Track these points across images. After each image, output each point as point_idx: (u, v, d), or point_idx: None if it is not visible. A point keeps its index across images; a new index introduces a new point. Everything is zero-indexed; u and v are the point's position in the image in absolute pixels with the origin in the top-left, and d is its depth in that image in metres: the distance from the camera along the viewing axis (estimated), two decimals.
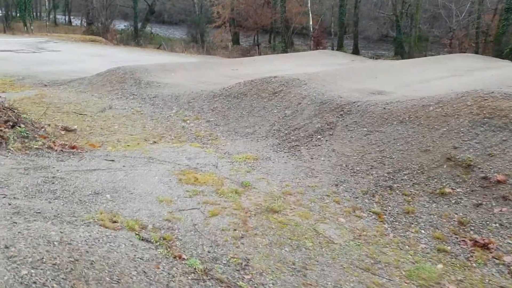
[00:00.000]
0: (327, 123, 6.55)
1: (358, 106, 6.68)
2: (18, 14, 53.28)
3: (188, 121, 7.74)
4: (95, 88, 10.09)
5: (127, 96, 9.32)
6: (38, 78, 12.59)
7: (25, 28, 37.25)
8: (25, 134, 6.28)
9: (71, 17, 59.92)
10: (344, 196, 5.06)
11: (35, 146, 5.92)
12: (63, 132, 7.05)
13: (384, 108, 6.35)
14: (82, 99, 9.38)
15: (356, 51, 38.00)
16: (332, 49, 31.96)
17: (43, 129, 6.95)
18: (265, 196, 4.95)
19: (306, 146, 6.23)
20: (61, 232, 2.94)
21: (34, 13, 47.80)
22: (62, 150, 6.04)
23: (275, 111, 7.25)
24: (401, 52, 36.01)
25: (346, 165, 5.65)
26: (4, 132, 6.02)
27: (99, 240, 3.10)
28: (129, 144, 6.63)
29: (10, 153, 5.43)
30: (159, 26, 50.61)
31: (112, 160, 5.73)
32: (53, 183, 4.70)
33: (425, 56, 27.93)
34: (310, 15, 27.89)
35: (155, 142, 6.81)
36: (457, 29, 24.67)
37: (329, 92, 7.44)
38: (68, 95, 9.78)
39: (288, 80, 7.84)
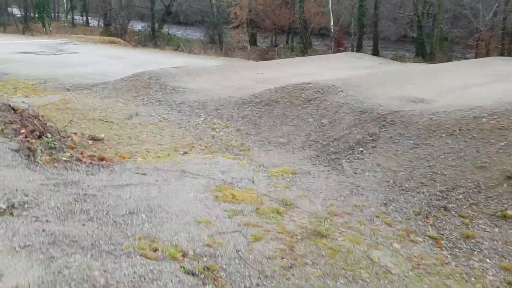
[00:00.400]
0: (369, 134, 6.16)
1: (401, 116, 6.27)
2: (36, 15, 53.89)
3: (217, 130, 7.42)
4: (119, 93, 9.84)
5: (153, 102, 9.05)
6: (60, 82, 12.43)
7: (44, 29, 37.53)
8: (53, 145, 6.02)
9: (89, 18, 60.40)
10: (395, 217, 4.67)
11: (63, 158, 5.66)
12: (90, 142, 6.79)
13: (431, 119, 5.93)
14: (107, 105, 9.14)
15: (376, 52, 37.36)
16: (352, 50, 31.42)
17: (70, 139, 6.70)
18: (309, 217, 4.59)
19: (348, 159, 5.85)
20: (105, 271, 2.63)
21: (53, 14, 48.08)
22: (91, 163, 5.76)
23: (311, 120, 6.89)
24: (422, 53, 35.30)
25: (393, 182, 5.25)
26: (31, 143, 5.78)
27: (145, 278, 2.78)
28: (159, 155, 6.34)
29: (38, 167, 5.16)
30: (176, 27, 50.58)
31: (144, 174, 5.43)
32: (85, 201, 4.41)
33: (449, 58, 27.22)
34: (331, 15, 27.38)
35: (185, 152, 6.50)
36: (483, 30, 23.88)
37: (368, 100, 7.04)
38: (92, 100, 9.55)
39: (323, 86, 7.47)
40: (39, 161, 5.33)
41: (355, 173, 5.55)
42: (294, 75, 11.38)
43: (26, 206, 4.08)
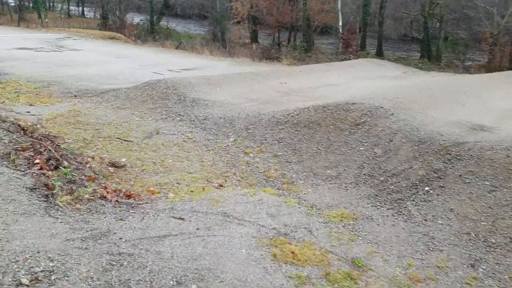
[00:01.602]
0: (433, 170, 5.40)
1: (468, 150, 5.51)
2: (31, 5, 52.41)
3: (251, 155, 6.62)
4: (134, 104, 8.99)
5: (173, 117, 8.21)
6: (65, 85, 11.54)
7: (40, 20, 36.29)
8: (71, 177, 5.20)
9: (85, 8, 59.00)
10: (490, 285, 3.91)
11: (86, 196, 4.84)
12: (111, 170, 5.96)
13: (508, 155, 5.18)
14: (122, 118, 8.29)
15: (380, 53, 36.67)
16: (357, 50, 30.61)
17: (88, 166, 5.87)
18: (389, 284, 3.82)
19: (413, 201, 5.09)
20: None
21: (48, 4, 46.64)
22: (117, 201, 4.95)
23: (361, 148, 6.11)
24: (428, 54, 34.63)
25: (475, 234, 4.50)
26: (48, 177, 4.94)
27: None
28: (192, 188, 5.53)
29: (59, 212, 4.34)
30: (172, 20, 49.41)
31: (181, 219, 4.63)
32: (121, 265, 3.61)
33: (463, 62, 26.49)
34: (340, 15, 26.53)
35: (220, 185, 5.70)
36: (500, 34, 23.19)
37: (423, 126, 6.28)
38: (105, 112, 8.70)
39: (370, 108, 6.68)
40: (60, 203, 4.50)
41: (425, 220, 4.80)
42: (320, 85, 10.60)
43: (52, 277, 3.27)
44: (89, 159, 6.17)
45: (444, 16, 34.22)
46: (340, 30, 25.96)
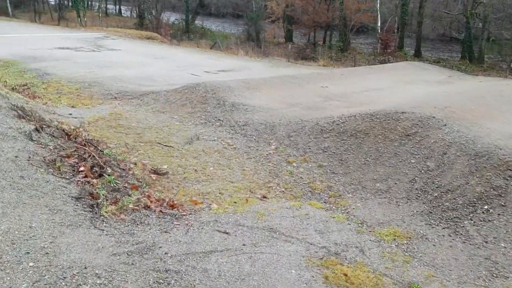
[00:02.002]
0: (492, 187, 5.04)
1: None
2: (71, 4, 53.88)
3: (294, 164, 6.41)
4: (173, 108, 8.94)
5: (213, 122, 8.09)
6: (106, 87, 11.65)
7: (79, 19, 37.21)
8: (115, 185, 5.14)
9: (121, 7, 60.22)
10: None
11: (130, 206, 4.75)
12: (154, 177, 5.88)
13: None
14: (162, 122, 8.24)
15: (418, 53, 35.66)
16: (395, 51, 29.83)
17: (131, 173, 5.82)
18: None
19: (471, 220, 4.76)
20: None
21: (86, 2, 47.73)
22: (161, 211, 4.84)
23: (413, 161, 5.79)
24: (469, 56, 33.44)
25: None
26: (93, 185, 4.89)
27: None
28: (235, 199, 5.37)
29: (105, 223, 4.26)
30: (206, 19, 49.67)
31: (226, 233, 4.48)
32: (168, 284, 3.50)
33: (510, 64, 25.34)
34: (379, 15, 25.87)
35: (264, 197, 5.51)
36: None
37: (479, 138, 5.90)
38: (145, 115, 8.68)
39: (421, 118, 6.34)
40: (105, 213, 4.43)
41: (486, 242, 4.46)
42: (362, 89, 10.26)
43: None
44: (132, 166, 6.12)
45: (488, 15, 32.94)
46: (379, 31, 25.24)
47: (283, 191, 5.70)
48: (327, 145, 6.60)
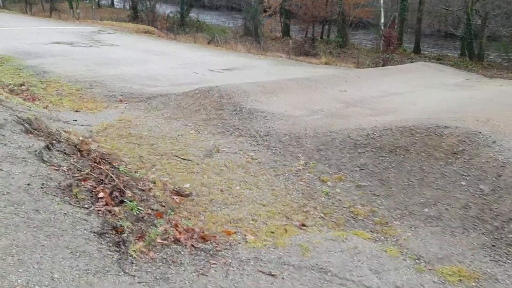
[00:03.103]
0: None
1: None
2: None
3: (329, 183, 5.85)
4: (186, 114, 8.32)
5: (231, 131, 7.51)
6: (108, 87, 10.99)
7: (71, 11, 36.17)
8: (138, 213, 4.55)
9: None
10: None
11: (158, 240, 4.17)
12: (177, 199, 5.29)
13: None
14: (176, 131, 7.63)
15: (417, 50, 35.33)
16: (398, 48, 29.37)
17: (151, 195, 5.22)
18: None
19: None
20: None
21: None
22: (193, 246, 4.26)
23: (463, 183, 5.27)
24: (469, 53, 33.16)
25: None
26: (115, 215, 4.29)
27: None
28: (271, 228, 4.81)
29: (134, 265, 3.67)
30: (200, 12, 48.84)
31: (272, 275, 3.92)
32: None
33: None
34: (382, 11, 25.32)
35: (303, 224, 4.96)
36: None
37: None
38: (156, 122, 8.05)
39: (467, 134, 5.82)
40: (133, 252, 3.84)
41: None
42: (382, 94, 9.74)
43: None
44: (151, 185, 5.52)
45: (489, 12, 32.59)
46: (382, 27, 24.70)
47: (322, 217, 5.15)
48: (364, 162, 6.05)
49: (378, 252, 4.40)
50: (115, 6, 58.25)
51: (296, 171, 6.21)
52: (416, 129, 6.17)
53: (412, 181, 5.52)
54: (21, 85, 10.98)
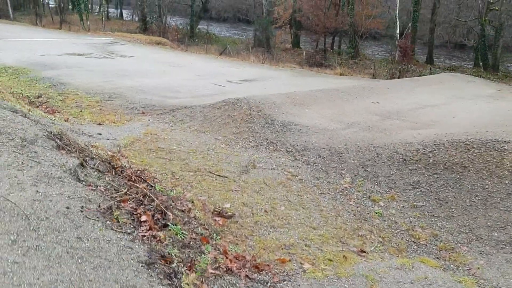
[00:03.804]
0: None
1: None
2: (70, 7, 52.83)
3: (381, 203, 5.39)
4: (215, 126, 7.91)
5: (265, 145, 7.08)
6: (128, 99, 10.63)
7: (81, 23, 36.17)
8: (183, 237, 4.12)
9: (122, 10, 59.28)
10: None
11: (210, 270, 3.72)
12: (220, 221, 4.86)
13: None
14: (206, 145, 7.22)
15: (430, 61, 35.02)
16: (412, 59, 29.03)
17: (192, 216, 4.78)
18: None
19: None
20: None
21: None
22: (247, 277, 3.81)
23: None
24: (484, 63, 32.80)
25: None
26: (161, 241, 3.85)
27: None
28: (328, 255, 4.35)
29: None
30: (208, 23, 48.91)
31: None
32: None
33: None
34: (398, 22, 24.98)
35: (362, 251, 4.50)
36: None
37: None
38: (184, 136, 7.65)
39: None
40: (186, 286, 3.39)
41: None
42: (417, 106, 9.31)
43: None
44: (189, 205, 5.09)
45: (504, 22, 32.26)
46: (397, 37, 24.34)
47: (381, 241, 4.68)
48: (416, 179, 5.59)
49: (452, 283, 3.92)
50: (124, 18, 58.51)
51: (343, 189, 5.76)
52: (472, 144, 5.71)
53: (474, 201, 5.05)
54: (39, 97, 10.66)
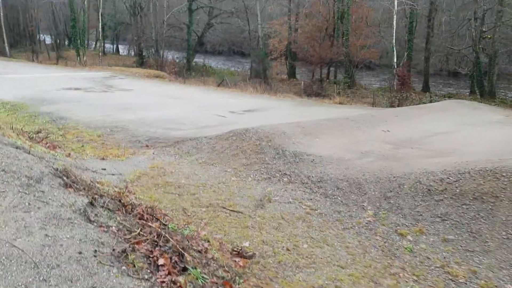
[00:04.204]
0: None
1: None
2: (67, 42, 53.25)
3: (409, 238, 5.05)
4: (223, 159, 7.61)
5: (278, 177, 6.77)
6: (131, 132, 10.35)
7: (78, 58, 36.31)
8: (204, 283, 3.74)
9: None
10: None
11: None
12: (240, 262, 4.48)
13: None
14: (216, 178, 6.89)
15: (426, 88, 35.27)
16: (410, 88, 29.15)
17: (210, 257, 4.41)
18: None
19: None
20: None
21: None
22: None
23: None
24: (481, 91, 33.03)
25: None
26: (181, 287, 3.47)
27: None
28: None
29: None
30: (203, 57, 49.34)
31: None
32: None
33: None
34: (395, 52, 25.20)
35: None
36: None
37: None
38: (192, 169, 7.33)
39: None
40: None
41: None
42: (427, 133, 9.09)
43: None
44: (206, 244, 4.72)
45: (498, 50, 32.69)
46: (395, 66, 24.48)
47: (415, 280, 4.32)
48: (444, 211, 5.27)
49: None
50: (120, 53, 59.01)
51: (366, 223, 5.42)
52: (501, 172, 5.43)
53: (511, 234, 4.72)
54: (38, 132, 10.36)
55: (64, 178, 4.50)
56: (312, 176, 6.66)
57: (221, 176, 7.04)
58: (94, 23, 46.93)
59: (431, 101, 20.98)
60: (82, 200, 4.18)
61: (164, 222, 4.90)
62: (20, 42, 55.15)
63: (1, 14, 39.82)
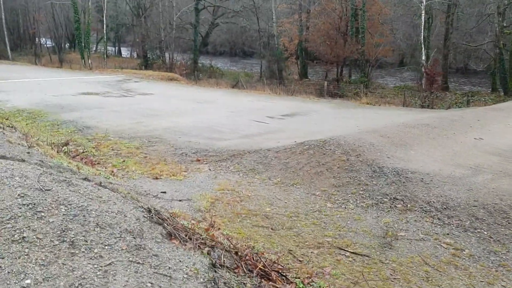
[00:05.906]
0: None
1: None
2: (68, 45, 51.81)
3: None
4: (304, 178, 6.24)
5: (388, 203, 5.40)
6: (171, 143, 8.99)
7: (83, 61, 34.93)
8: None
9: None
10: None
11: None
12: None
13: None
14: (305, 203, 5.53)
15: (446, 87, 34.04)
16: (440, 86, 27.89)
17: None
18: None
19: None
20: None
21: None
22: None
23: None
24: (504, 88, 31.79)
25: None
26: None
27: None
28: None
29: None
30: (205, 58, 48.15)
31: None
32: None
33: None
34: (423, 48, 23.88)
35: None
36: None
37: None
38: (271, 191, 5.95)
39: None
40: None
41: None
42: None
43: None
44: None
45: None
46: (424, 63, 23.15)
47: None
48: None
49: None
50: (122, 55, 57.73)
51: None
52: None
53: None
54: (66, 144, 8.94)
55: (165, 224, 3.10)
56: (433, 202, 5.29)
57: (311, 201, 5.67)
58: (94, 25, 45.42)
59: (468, 101, 19.68)
60: (201, 261, 2.80)
61: (290, 280, 3.53)
62: (21, 45, 53.67)
63: (3, 17, 38.38)
